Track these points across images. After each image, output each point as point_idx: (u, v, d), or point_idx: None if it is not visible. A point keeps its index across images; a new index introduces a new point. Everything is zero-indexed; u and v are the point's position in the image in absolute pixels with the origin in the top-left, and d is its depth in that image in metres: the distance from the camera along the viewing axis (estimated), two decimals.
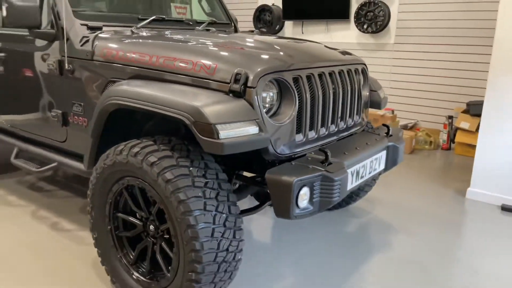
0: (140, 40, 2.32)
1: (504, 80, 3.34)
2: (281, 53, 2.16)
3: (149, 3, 3.44)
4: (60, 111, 2.54)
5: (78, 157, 2.52)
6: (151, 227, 2.02)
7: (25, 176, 3.81)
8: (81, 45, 2.37)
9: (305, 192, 1.85)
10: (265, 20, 6.25)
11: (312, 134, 2.19)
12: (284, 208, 1.83)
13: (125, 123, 2.31)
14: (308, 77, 2.13)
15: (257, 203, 2.57)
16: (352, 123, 2.52)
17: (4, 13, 2.32)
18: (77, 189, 3.59)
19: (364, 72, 2.66)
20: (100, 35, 2.37)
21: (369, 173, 2.33)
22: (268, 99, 1.99)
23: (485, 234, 3.03)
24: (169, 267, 1.94)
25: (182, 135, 2.20)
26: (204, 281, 1.80)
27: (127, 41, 2.32)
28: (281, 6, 6.06)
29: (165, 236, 1.98)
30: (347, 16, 5.48)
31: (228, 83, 1.89)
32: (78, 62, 2.38)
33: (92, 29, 2.41)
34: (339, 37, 5.69)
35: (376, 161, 2.38)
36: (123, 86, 2.07)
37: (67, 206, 3.26)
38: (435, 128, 5.28)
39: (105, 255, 2.17)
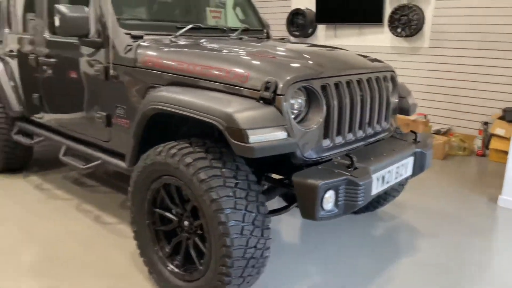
0: (178, 49, 2.48)
1: None
2: (310, 61, 2.26)
3: (186, 9, 3.62)
4: (105, 113, 2.75)
5: (120, 156, 2.72)
6: (186, 222, 2.17)
7: (70, 172, 4.09)
8: (125, 53, 2.56)
9: (330, 195, 1.95)
10: (298, 24, 6.33)
11: (339, 140, 2.27)
12: (309, 210, 1.93)
13: (163, 125, 2.48)
14: (336, 85, 2.22)
15: (285, 204, 2.68)
16: (380, 129, 2.58)
17: (57, 23, 2.55)
18: (117, 185, 3.83)
19: (393, 79, 2.71)
20: (142, 43, 2.55)
21: (395, 178, 2.38)
22: (296, 106, 2.09)
23: None
24: (201, 261, 2.09)
25: (215, 137, 2.35)
26: (234, 275, 1.94)
27: (166, 49, 2.49)
28: (314, 9, 6.12)
29: (198, 232, 2.12)
30: (380, 20, 5.47)
31: (259, 91, 2.01)
32: (122, 68, 2.57)
33: (135, 37, 2.60)
34: (372, 40, 5.69)
35: (402, 167, 2.43)
36: (162, 93, 2.24)
37: (108, 200, 3.50)
38: (469, 134, 5.18)
39: (143, 247, 2.35)
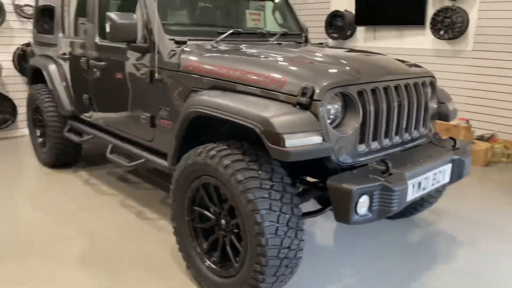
0: (219, 54, 2.59)
1: None
2: (347, 67, 2.29)
3: (226, 12, 3.73)
4: (149, 114, 2.91)
5: (162, 155, 2.87)
6: (223, 221, 2.27)
7: (114, 169, 4.32)
8: (169, 58, 2.70)
9: (364, 200, 1.97)
10: (336, 26, 6.31)
11: (375, 145, 2.29)
12: (343, 213, 1.97)
13: (203, 127, 2.59)
14: (373, 91, 2.24)
15: (319, 206, 2.72)
16: (418, 134, 2.57)
17: (108, 29, 2.73)
18: (158, 182, 4.01)
19: (433, 84, 2.69)
20: (185, 49, 2.68)
21: (432, 185, 2.37)
22: (332, 111, 2.14)
23: None
24: (237, 258, 2.18)
25: (252, 140, 2.43)
26: (268, 273, 2.01)
27: (207, 55, 2.60)
28: (353, 11, 6.08)
29: (234, 230, 2.21)
30: (422, 22, 5.36)
31: (296, 96, 2.07)
32: (166, 72, 2.71)
33: (178, 43, 2.73)
34: (413, 43, 5.58)
35: (440, 174, 2.41)
36: (203, 96, 2.35)
37: (150, 197, 3.68)
38: None
39: (182, 243, 2.47)
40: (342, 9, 6.25)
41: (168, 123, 2.77)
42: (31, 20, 4.97)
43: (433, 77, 2.70)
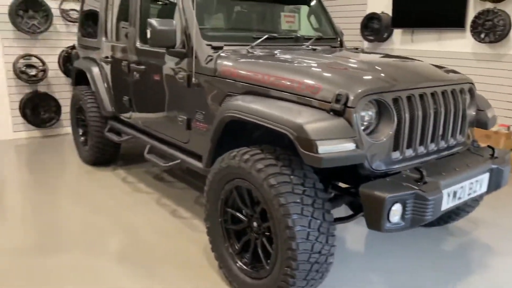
0: (254, 60, 2.64)
1: None
2: (382, 74, 2.28)
3: (262, 16, 3.79)
4: (185, 117, 3.00)
5: (197, 157, 2.96)
6: (255, 223, 2.32)
7: (151, 168, 4.47)
8: (206, 63, 2.78)
9: (397, 208, 1.97)
10: (372, 28, 6.22)
11: (409, 152, 2.27)
12: (375, 221, 1.98)
13: (238, 131, 2.66)
14: (409, 98, 2.22)
15: (351, 212, 2.72)
16: (455, 142, 2.52)
17: (149, 35, 2.84)
18: (192, 182, 4.12)
19: (471, 91, 2.63)
20: (221, 54, 2.76)
21: (468, 194, 2.32)
22: (366, 118, 2.14)
23: None
24: (268, 261, 2.23)
25: (285, 144, 2.47)
26: (298, 277, 2.04)
27: (242, 60, 2.66)
28: (390, 13, 5.98)
29: (266, 233, 2.26)
30: (462, 25, 5.20)
31: (330, 103, 2.09)
32: (203, 77, 2.80)
33: (215, 48, 2.81)
34: (452, 46, 5.42)
35: (476, 183, 2.36)
36: (238, 101, 2.41)
37: (184, 196, 3.79)
38: None
39: (215, 243, 2.54)
40: (378, 11, 6.16)
41: (204, 126, 2.85)
42: (76, 23, 5.22)
43: (472, 83, 2.64)
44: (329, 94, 2.11)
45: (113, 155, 4.48)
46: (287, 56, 2.67)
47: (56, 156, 4.99)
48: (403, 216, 2.00)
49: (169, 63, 3.11)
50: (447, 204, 2.17)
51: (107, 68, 4.08)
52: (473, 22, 5.05)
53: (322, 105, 2.12)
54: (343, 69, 2.36)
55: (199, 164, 2.89)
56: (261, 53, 2.80)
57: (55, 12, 5.54)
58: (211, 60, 2.76)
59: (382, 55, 2.94)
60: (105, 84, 4.14)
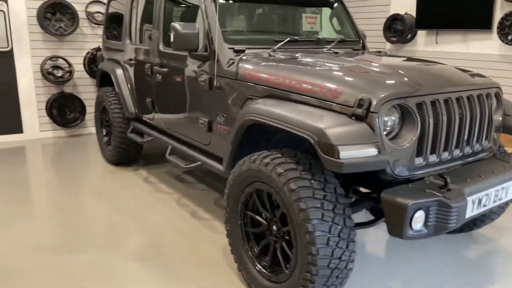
0: (275, 63, 2.64)
1: None
2: (406, 78, 2.25)
3: (283, 19, 3.78)
4: (207, 119, 3.03)
5: (218, 159, 2.98)
6: (274, 227, 2.32)
7: (172, 168, 4.53)
8: (228, 66, 2.80)
9: (420, 215, 1.93)
10: (396, 30, 6.13)
11: (433, 158, 2.23)
12: (397, 228, 1.94)
13: (258, 134, 2.66)
14: (433, 103, 2.18)
15: (372, 217, 2.69)
16: (480, 148, 2.46)
17: (172, 39, 2.88)
18: (212, 184, 4.15)
19: (498, 95, 2.56)
20: (243, 57, 2.77)
21: (494, 202, 2.26)
22: (389, 123, 2.11)
23: None
24: (287, 265, 2.23)
25: (305, 148, 2.46)
26: (318, 283, 2.03)
27: (264, 63, 2.67)
28: (414, 14, 5.88)
29: (285, 237, 2.26)
30: (489, 26, 5.07)
31: (351, 107, 2.07)
32: (225, 80, 2.82)
33: (237, 52, 2.83)
34: (478, 48, 5.29)
35: (502, 191, 2.30)
36: (259, 105, 2.42)
37: (204, 197, 3.82)
38: None
39: (234, 245, 2.56)
40: (402, 12, 6.07)
41: (225, 129, 2.87)
42: (101, 26, 5.34)
43: (499, 87, 2.57)
44: (351, 98, 2.09)
45: (136, 155, 4.56)
46: (309, 60, 2.67)
47: (80, 155, 5.12)
48: (425, 224, 1.96)
49: (191, 66, 3.14)
50: (471, 211, 2.12)
51: (131, 70, 4.15)
52: (500, 23, 4.92)
53: (343, 110, 2.11)
54: (365, 73, 2.34)
55: (219, 167, 2.91)
56: (282, 57, 2.80)
57: (81, 15, 5.68)
58: (232, 63, 2.78)
59: (405, 59, 2.90)
60: (129, 86, 4.22)
